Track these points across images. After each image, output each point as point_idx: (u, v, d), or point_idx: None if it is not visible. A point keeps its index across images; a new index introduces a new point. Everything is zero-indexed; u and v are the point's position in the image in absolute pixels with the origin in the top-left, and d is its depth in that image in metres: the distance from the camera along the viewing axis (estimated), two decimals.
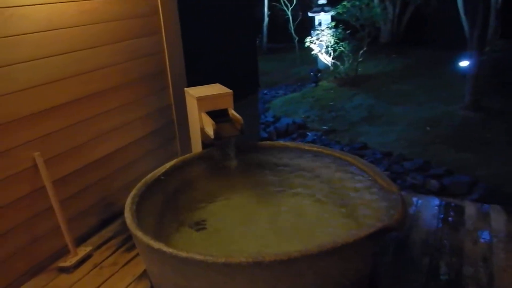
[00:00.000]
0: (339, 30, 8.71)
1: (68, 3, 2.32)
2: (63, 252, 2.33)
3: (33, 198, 2.20)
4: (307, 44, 9.16)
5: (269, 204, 2.52)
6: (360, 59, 8.71)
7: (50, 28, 2.25)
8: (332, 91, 8.55)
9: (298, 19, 11.82)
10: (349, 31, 8.78)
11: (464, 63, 7.10)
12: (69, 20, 2.34)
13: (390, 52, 10.53)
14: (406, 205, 1.86)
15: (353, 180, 2.29)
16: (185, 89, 2.78)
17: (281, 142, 2.77)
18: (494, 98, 6.60)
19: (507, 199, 4.05)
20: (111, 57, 2.64)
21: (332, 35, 8.72)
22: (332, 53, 8.93)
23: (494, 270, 2.06)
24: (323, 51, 9.04)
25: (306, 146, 2.61)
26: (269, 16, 12.93)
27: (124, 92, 2.76)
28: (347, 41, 8.70)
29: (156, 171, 2.33)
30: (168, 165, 2.39)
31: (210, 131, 2.44)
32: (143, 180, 2.21)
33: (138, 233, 1.73)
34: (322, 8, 9.54)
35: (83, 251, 2.35)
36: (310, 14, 9.87)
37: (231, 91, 2.62)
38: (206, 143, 2.60)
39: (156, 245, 1.64)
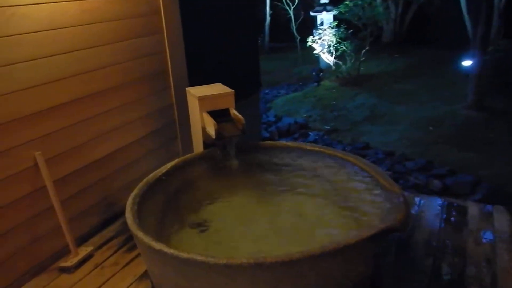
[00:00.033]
0: (341, 30, 8.69)
1: (69, 2, 2.32)
2: (64, 252, 2.33)
3: (34, 197, 2.20)
4: (309, 43, 9.14)
5: (271, 204, 2.51)
6: (362, 59, 8.68)
7: (51, 28, 2.24)
8: (334, 90, 8.53)
9: (300, 19, 11.79)
10: (351, 30, 8.76)
11: (467, 63, 7.07)
12: (70, 19, 2.34)
13: (393, 51, 10.50)
14: (408, 206, 1.84)
15: (355, 181, 2.28)
16: (187, 88, 2.77)
17: (283, 142, 2.77)
18: (497, 98, 6.57)
19: (510, 199, 4.03)
20: (113, 57, 2.64)
21: (334, 35, 8.70)
22: (334, 53, 8.91)
23: (497, 271, 2.04)
24: (325, 50, 9.01)
25: (308, 146, 2.59)
26: (271, 15, 12.91)
27: (125, 91, 2.76)
28: (349, 41, 8.68)
29: (157, 171, 2.32)
30: (169, 165, 2.38)
31: (211, 131, 2.43)
32: (144, 180, 2.20)
33: (139, 234, 1.73)
34: (324, 8, 9.52)
35: (84, 251, 2.34)
36: (312, 14, 9.85)
37: (232, 90, 2.61)
38: (208, 143, 2.60)
39: (157, 246, 1.63)
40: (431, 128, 6.12)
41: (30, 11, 2.12)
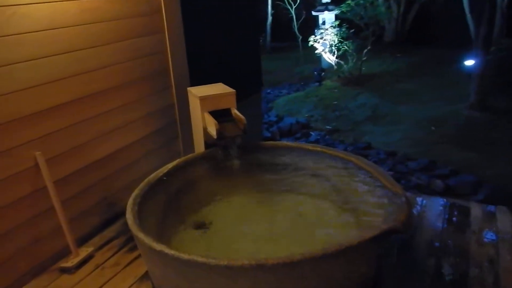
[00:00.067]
0: (343, 29, 8.67)
1: (69, 2, 2.31)
2: (65, 252, 2.32)
3: (35, 198, 2.19)
4: (310, 43, 9.12)
5: (272, 205, 2.50)
6: (364, 58, 8.66)
7: (52, 27, 2.23)
8: (336, 90, 8.51)
9: (302, 18, 11.77)
10: (353, 30, 8.74)
11: (469, 62, 7.05)
12: (71, 19, 2.33)
13: (395, 51, 10.47)
14: (411, 207, 1.83)
15: (357, 181, 2.27)
16: (188, 88, 2.76)
17: (284, 142, 2.76)
18: (499, 98, 6.53)
19: None
20: (113, 56, 2.63)
21: (336, 34, 8.68)
22: (336, 52, 8.89)
23: (500, 272, 2.02)
24: (327, 50, 8.99)
25: (309, 146, 2.58)
26: (272, 15, 12.90)
27: (126, 91, 2.75)
28: (351, 40, 8.66)
29: (158, 171, 2.31)
30: (170, 165, 2.37)
31: (212, 131, 2.42)
32: (145, 180, 2.20)
33: (140, 235, 1.72)
34: (326, 7, 9.50)
35: (84, 251, 2.33)
36: (314, 13, 9.83)
37: (234, 90, 2.60)
38: (209, 143, 2.59)
39: (158, 247, 1.62)
40: (433, 128, 6.10)
41: (30, 11, 2.11)
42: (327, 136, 6.39)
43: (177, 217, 2.32)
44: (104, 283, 2.12)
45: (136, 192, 2.08)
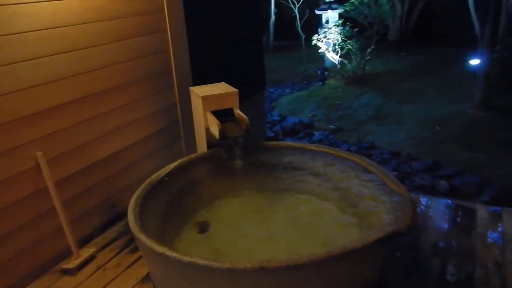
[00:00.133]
0: (347, 28, 8.63)
1: (72, 0, 2.29)
2: (66, 253, 2.30)
3: (36, 198, 2.18)
4: (314, 42, 9.09)
5: (275, 205, 2.48)
6: (368, 57, 8.62)
7: (54, 26, 2.21)
8: (339, 89, 8.47)
9: (305, 17, 11.74)
10: (356, 29, 8.70)
11: (474, 61, 6.99)
12: (73, 18, 2.31)
13: (399, 50, 10.42)
14: (416, 209, 1.80)
15: (361, 182, 2.24)
16: (190, 88, 2.74)
17: (287, 142, 2.73)
18: (504, 97, 6.48)
19: None
20: (116, 56, 2.61)
21: (340, 33, 8.64)
22: (339, 51, 8.85)
23: (506, 275, 1.99)
24: (330, 49, 8.96)
25: (312, 147, 2.56)
26: (275, 13, 12.86)
27: (128, 90, 2.73)
28: (354, 39, 8.62)
29: (160, 171, 2.29)
30: (172, 165, 2.36)
31: (215, 131, 2.40)
32: (147, 181, 2.18)
33: (141, 236, 1.70)
34: (329, 6, 9.46)
35: (86, 252, 2.32)
36: (317, 12, 9.80)
37: (236, 90, 2.58)
38: (211, 143, 2.56)
39: (160, 249, 1.60)
40: (437, 127, 6.06)
41: (32, 9, 2.10)
42: (330, 136, 6.36)
43: (179, 217, 2.30)
44: (106, 285, 2.11)
45: (137, 193, 2.06)
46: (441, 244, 2.27)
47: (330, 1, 9.51)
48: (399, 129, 6.23)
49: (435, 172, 4.69)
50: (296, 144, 2.67)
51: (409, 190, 1.97)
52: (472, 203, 2.74)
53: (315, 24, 10.13)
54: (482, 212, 2.55)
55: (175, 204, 2.31)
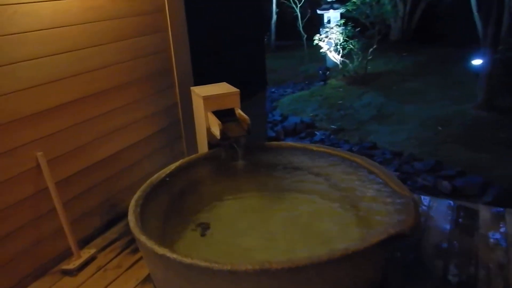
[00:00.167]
0: (349, 28, 8.61)
1: (72, 0, 2.28)
2: (67, 254, 2.30)
3: (36, 199, 2.17)
4: (315, 41, 9.07)
5: (276, 206, 2.46)
6: (370, 57, 8.60)
7: (54, 26, 2.20)
8: (341, 89, 8.45)
9: (307, 17, 11.72)
10: (358, 28, 8.68)
11: (476, 62, 6.97)
12: (74, 18, 2.30)
13: (401, 50, 10.40)
14: (419, 210, 1.79)
15: (363, 183, 2.23)
16: (191, 88, 2.73)
17: (289, 143, 2.72)
18: (507, 97, 6.45)
19: None
20: (116, 55, 2.60)
21: (341, 33, 8.62)
22: (341, 51, 8.83)
23: (509, 276, 1.98)
24: (332, 49, 8.94)
25: (314, 147, 2.54)
26: (277, 13, 12.85)
27: (129, 90, 2.72)
28: (356, 39, 8.60)
29: (161, 172, 2.28)
30: (173, 166, 2.34)
31: (216, 131, 2.39)
32: (147, 182, 2.17)
33: (142, 238, 1.69)
34: (331, 6, 9.44)
35: (87, 253, 2.31)
36: (319, 12, 9.78)
37: (237, 90, 2.56)
38: (212, 143, 2.55)
39: (160, 250, 1.59)
40: (440, 128, 6.03)
41: (33, 9, 2.09)
42: (332, 136, 6.35)
43: (180, 218, 2.29)
44: (106, 286, 2.10)
45: (138, 193, 2.05)
46: (443, 245, 2.26)
47: (332, 1, 9.49)
48: (401, 129, 6.21)
49: (437, 173, 4.67)
50: (298, 144, 2.65)
51: (411, 191, 1.95)
52: (474, 204, 2.72)
53: (316, 24, 10.11)
54: (484, 213, 2.53)
55: (176, 205, 2.30)
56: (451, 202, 2.68)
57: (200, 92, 2.56)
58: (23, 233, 2.13)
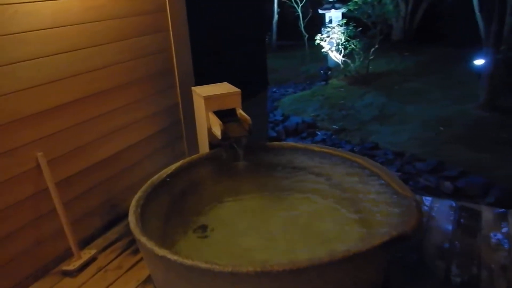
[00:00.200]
0: (350, 28, 8.59)
1: None
2: (67, 255, 2.29)
3: (36, 199, 2.16)
4: (317, 41, 9.04)
5: (277, 207, 2.46)
6: (371, 57, 8.58)
7: (55, 26, 2.19)
8: (342, 89, 8.43)
9: (308, 16, 11.69)
10: (360, 28, 8.65)
11: (478, 61, 6.94)
12: (74, 17, 2.29)
13: (402, 49, 10.37)
14: (421, 211, 1.77)
15: (365, 184, 2.22)
16: (193, 88, 2.72)
17: (290, 143, 2.71)
18: (509, 98, 6.43)
19: None
20: (117, 55, 2.59)
21: (343, 33, 8.60)
22: (342, 51, 8.81)
23: None
24: (333, 48, 8.91)
25: (316, 147, 2.53)
26: (278, 13, 12.83)
27: (130, 90, 2.71)
28: (358, 39, 8.57)
29: (161, 172, 2.27)
30: (174, 166, 2.33)
31: (217, 131, 2.38)
32: (148, 182, 2.16)
33: (142, 239, 1.68)
34: (332, 5, 9.42)
35: (87, 254, 2.30)
36: (320, 11, 9.75)
37: (239, 90, 2.55)
38: (214, 143, 2.54)
39: (161, 252, 1.58)
40: (442, 128, 6.01)
41: (33, 9, 2.08)
42: (333, 136, 6.33)
43: (181, 219, 2.28)
44: (107, 287, 2.09)
45: (139, 194, 2.04)
46: (445, 246, 2.24)
47: (334, 1, 9.46)
48: (403, 129, 6.19)
49: (439, 173, 4.65)
50: (299, 144, 2.64)
51: (413, 191, 1.94)
52: (477, 204, 2.71)
53: (318, 24, 10.08)
54: (487, 214, 2.52)
55: (177, 205, 2.29)
56: (453, 203, 2.67)
57: (201, 92, 2.55)
58: (23, 234, 2.12)
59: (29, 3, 2.06)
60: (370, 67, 8.79)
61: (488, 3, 6.13)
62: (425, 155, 5.19)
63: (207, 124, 2.51)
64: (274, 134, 6.39)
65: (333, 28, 8.80)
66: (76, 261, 2.24)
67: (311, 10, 11.58)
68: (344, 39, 8.60)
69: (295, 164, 2.58)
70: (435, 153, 5.23)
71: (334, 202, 2.37)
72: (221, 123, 2.35)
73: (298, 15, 11.70)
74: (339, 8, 9.28)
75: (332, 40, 8.82)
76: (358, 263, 1.56)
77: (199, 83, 3.01)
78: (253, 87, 4.33)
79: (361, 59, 8.68)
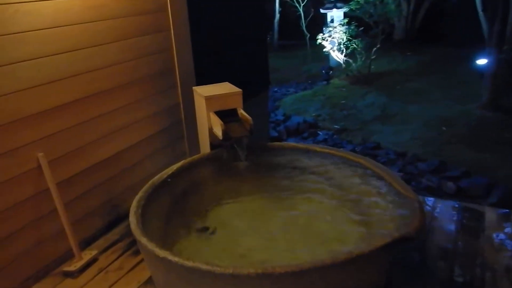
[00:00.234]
0: (352, 27, 8.57)
1: None
2: (68, 255, 2.28)
3: (37, 200, 2.15)
4: (319, 41, 9.03)
5: (278, 208, 2.44)
6: (373, 57, 8.56)
7: (56, 25, 2.18)
8: (344, 89, 8.42)
9: (310, 16, 11.68)
10: (362, 28, 8.63)
11: (481, 61, 6.91)
12: (75, 17, 2.28)
13: (404, 49, 10.34)
14: (424, 213, 1.76)
15: (367, 185, 2.20)
16: (194, 88, 2.71)
17: (291, 143, 2.69)
18: None
19: None
20: (118, 55, 2.58)
21: (345, 32, 8.58)
22: (344, 51, 8.79)
23: None
24: (335, 48, 8.90)
25: (317, 148, 2.52)
26: (280, 12, 12.81)
27: (131, 90, 2.70)
28: (360, 38, 8.55)
29: (162, 172, 2.26)
30: (175, 166, 2.32)
31: (218, 131, 2.37)
32: (149, 182, 2.15)
33: (143, 240, 1.67)
34: (334, 5, 9.40)
35: (88, 254, 2.29)
36: (322, 11, 9.73)
37: (240, 90, 2.54)
38: (215, 143, 2.53)
39: (162, 253, 1.57)
40: (444, 128, 5.99)
41: (34, 8, 2.07)
42: (335, 136, 6.31)
43: (182, 220, 2.26)
44: None
45: (140, 194, 2.03)
46: (448, 246, 2.23)
47: (335, 0, 9.44)
48: (405, 129, 6.17)
49: (441, 173, 4.63)
50: (300, 145, 2.63)
51: (415, 192, 1.92)
52: (480, 205, 2.69)
53: (320, 23, 10.06)
54: (490, 214, 2.50)
55: (178, 206, 2.28)
56: (456, 203, 2.65)
57: (202, 92, 2.53)
58: (24, 234, 2.11)
59: (30, 3, 2.05)
60: (372, 66, 8.76)
61: (491, 3, 6.10)
62: (427, 155, 5.17)
63: (208, 124, 2.50)
64: (276, 134, 6.38)
65: (335, 27, 8.78)
66: (77, 262, 2.23)
67: (312, 10, 11.56)
68: (346, 38, 8.58)
69: (296, 165, 2.56)
70: (437, 153, 5.21)
71: (336, 204, 2.35)
72: (222, 123, 2.33)
73: (300, 14, 11.68)
74: (341, 7, 9.26)
75: (334, 39, 8.80)
76: (361, 265, 1.55)
77: (200, 83, 3.00)
78: (254, 87, 4.31)
79: (363, 59, 8.66)
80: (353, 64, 8.72)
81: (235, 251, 2.11)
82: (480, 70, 6.85)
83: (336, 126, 6.68)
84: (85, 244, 2.44)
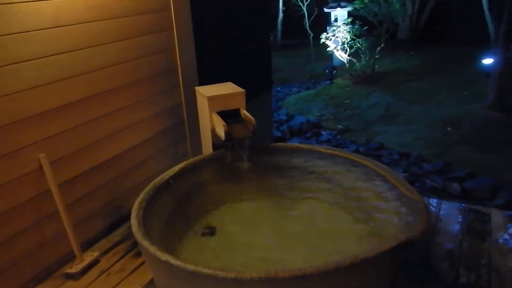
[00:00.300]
0: (356, 26, 8.51)
1: None
2: (70, 257, 2.27)
3: (39, 201, 2.14)
4: (322, 40, 8.98)
5: (281, 210, 2.42)
6: (377, 56, 8.50)
7: (57, 25, 2.17)
8: (347, 88, 8.37)
9: (314, 15, 11.61)
10: (366, 27, 8.57)
11: (487, 61, 6.85)
12: (77, 16, 2.27)
13: (409, 49, 10.28)
14: (430, 215, 1.72)
15: (371, 186, 2.17)
16: (196, 88, 2.68)
17: (295, 144, 2.67)
18: None
19: None
20: (120, 55, 2.56)
21: (349, 32, 8.53)
22: (348, 50, 8.74)
23: None
24: (339, 47, 8.85)
25: (321, 148, 2.49)
26: (283, 11, 12.77)
27: (133, 90, 2.68)
28: (364, 38, 8.50)
29: (164, 174, 2.24)
30: (177, 167, 2.30)
31: (221, 132, 2.34)
32: (151, 184, 2.12)
33: (144, 243, 1.64)
34: (338, 4, 9.35)
35: (90, 256, 2.28)
36: (326, 10, 9.68)
37: (243, 90, 2.51)
38: (217, 144, 2.51)
39: (163, 256, 1.55)
40: (449, 128, 5.94)
41: (35, 8, 2.06)
42: (338, 136, 6.27)
43: (184, 221, 2.25)
44: None
45: (141, 196, 2.01)
46: (453, 248, 2.20)
47: None
48: (409, 130, 6.12)
49: (446, 174, 4.58)
50: (304, 145, 2.60)
51: (420, 193, 1.89)
52: (486, 207, 2.66)
53: (323, 23, 10.01)
54: (496, 216, 2.47)
55: (180, 207, 2.26)
56: (461, 205, 2.62)
57: (205, 92, 2.51)
58: (25, 236, 2.10)
59: (31, 2, 2.03)
60: (376, 66, 8.71)
61: (497, 2, 6.04)
62: (432, 156, 5.12)
63: (211, 125, 2.48)
64: (279, 134, 6.34)
65: (339, 26, 8.73)
66: (79, 263, 2.21)
67: (316, 9, 11.50)
68: (350, 38, 8.53)
69: (300, 166, 2.54)
70: (442, 154, 5.16)
71: (340, 206, 2.33)
72: (225, 124, 2.31)
73: (303, 13, 11.63)
74: (345, 6, 9.21)
75: (338, 39, 8.75)
76: (366, 269, 1.52)
77: (202, 83, 2.98)
78: (257, 87, 4.28)
79: (367, 58, 8.61)
80: (357, 64, 8.67)
81: (238, 256, 2.09)
82: (486, 70, 6.79)
83: (340, 126, 6.64)
84: (87, 245, 2.42)
